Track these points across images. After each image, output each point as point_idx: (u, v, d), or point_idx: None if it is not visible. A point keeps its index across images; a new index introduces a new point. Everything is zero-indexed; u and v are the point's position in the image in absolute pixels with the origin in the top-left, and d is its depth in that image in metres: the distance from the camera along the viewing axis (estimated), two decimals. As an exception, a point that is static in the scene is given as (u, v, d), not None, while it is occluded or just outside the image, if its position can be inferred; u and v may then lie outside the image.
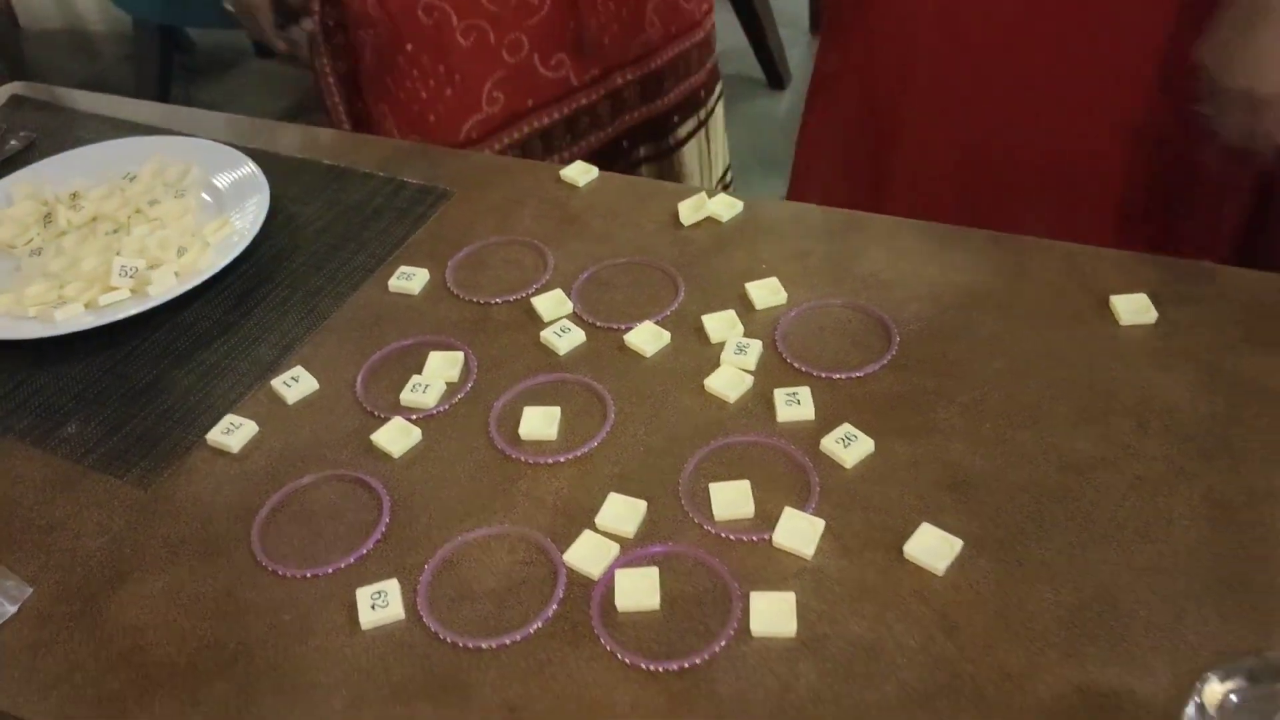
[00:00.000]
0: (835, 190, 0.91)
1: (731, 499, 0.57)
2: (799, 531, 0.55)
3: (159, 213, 0.80)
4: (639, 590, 0.53)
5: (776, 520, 0.55)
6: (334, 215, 0.81)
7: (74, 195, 0.82)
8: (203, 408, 0.66)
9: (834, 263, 0.72)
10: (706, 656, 0.50)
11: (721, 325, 0.67)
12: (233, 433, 0.64)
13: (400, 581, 0.55)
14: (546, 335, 0.68)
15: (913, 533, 0.54)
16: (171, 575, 0.57)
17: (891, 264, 0.71)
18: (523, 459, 0.61)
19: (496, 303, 0.72)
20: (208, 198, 0.82)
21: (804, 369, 0.64)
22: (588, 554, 0.55)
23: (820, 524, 0.55)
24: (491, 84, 1.00)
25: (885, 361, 0.64)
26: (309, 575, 0.56)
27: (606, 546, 0.55)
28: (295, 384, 0.66)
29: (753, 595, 0.52)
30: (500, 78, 1.00)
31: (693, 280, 0.72)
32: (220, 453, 0.63)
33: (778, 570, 0.54)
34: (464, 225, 0.79)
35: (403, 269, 0.75)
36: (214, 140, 0.87)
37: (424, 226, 0.79)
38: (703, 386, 0.64)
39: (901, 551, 0.54)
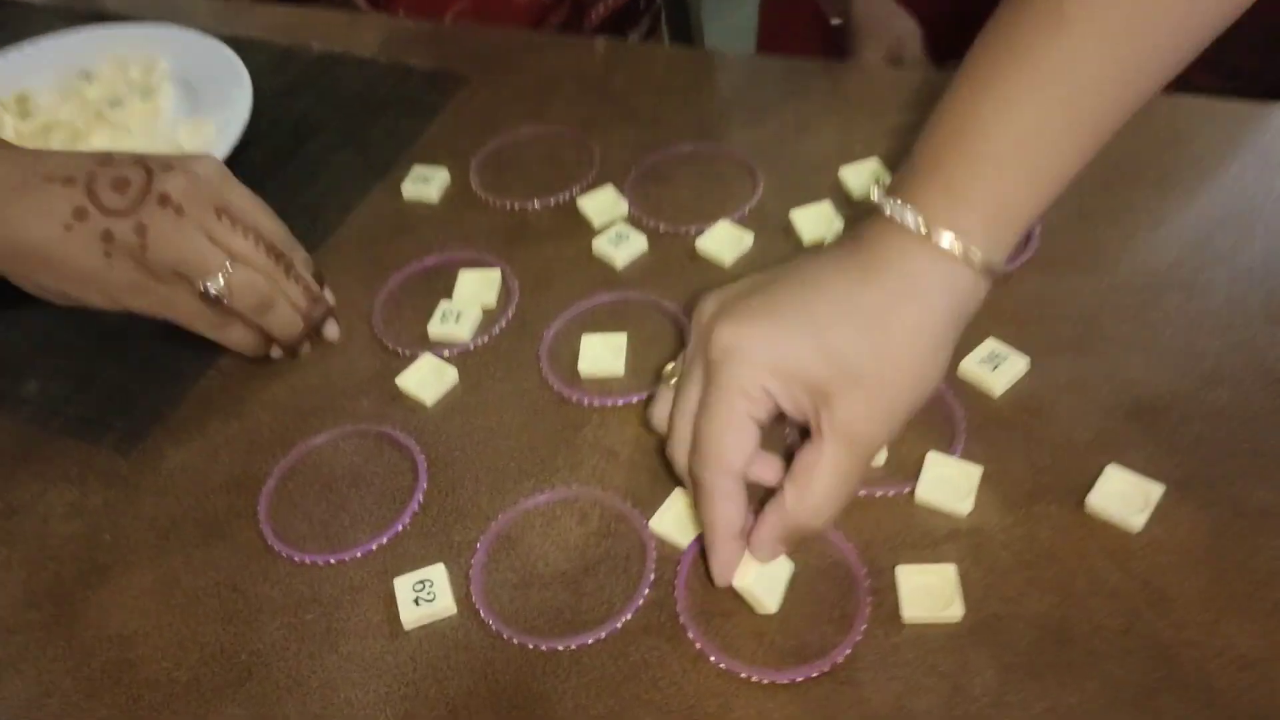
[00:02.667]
0: None
1: (855, 442, 0.45)
2: (948, 482, 0.43)
3: (123, 117, 0.67)
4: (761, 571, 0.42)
5: (918, 470, 0.44)
6: (330, 111, 0.68)
7: (21, 99, 0.69)
8: (189, 354, 0.54)
9: (946, 138, 0.58)
10: (848, 652, 0.39)
11: (817, 221, 0.55)
12: (227, 382, 0.52)
13: (448, 565, 0.44)
14: (600, 245, 0.56)
15: (1095, 478, 0.42)
16: (163, 567, 0.46)
17: (1019, 136, 0.57)
18: (586, 401, 0.49)
19: (534, 207, 0.59)
20: (180, 96, 0.69)
21: (926, 272, 0.52)
22: (680, 519, 0.44)
23: (975, 471, 0.43)
24: None
25: (1026, 257, 0.52)
26: (332, 561, 0.45)
27: (703, 510, 0.44)
28: (299, 318, 0.54)
29: (899, 570, 0.41)
30: None
31: (773, 168, 0.59)
32: (214, 409, 0.52)
33: (925, 534, 0.42)
34: (487, 115, 0.66)
35: (417, 170, 0.62)
36: (183, 27, 0.73)
37: (439, 119, 0.66)
38: (802, 299, 0.52)
39: (1083, 503, 0.42)
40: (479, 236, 0.58)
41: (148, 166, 0.46)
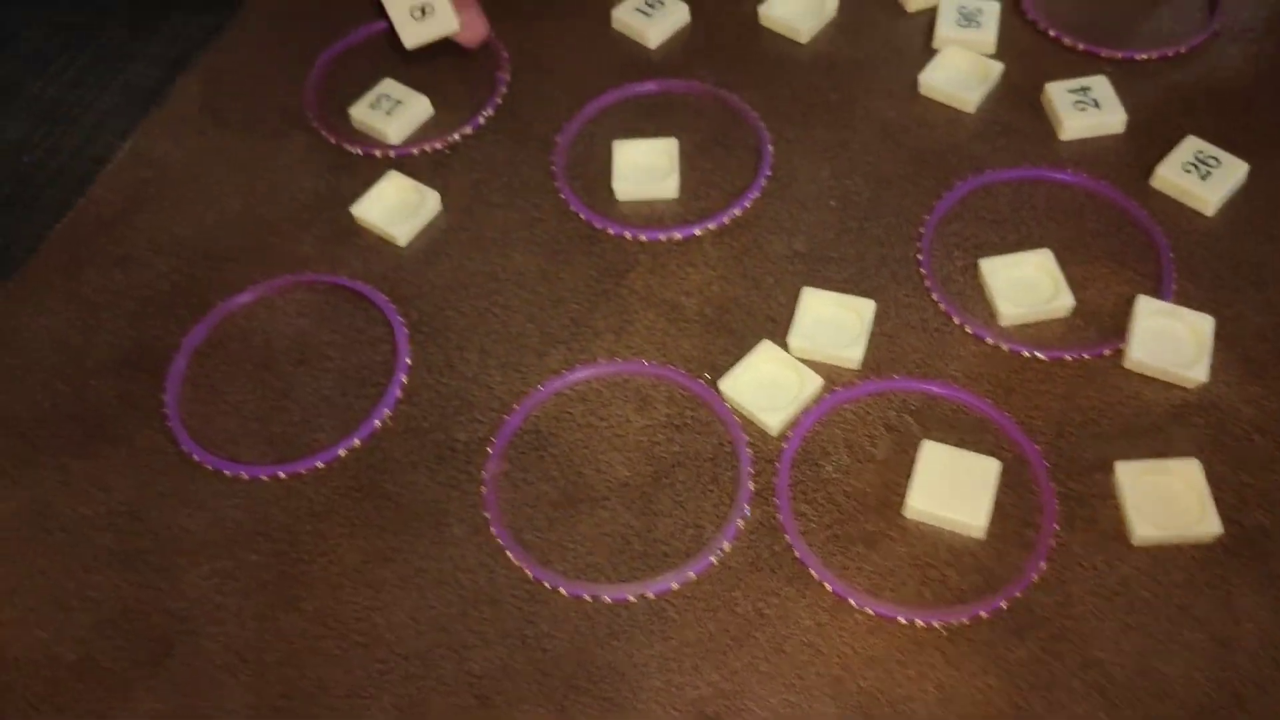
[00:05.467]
0: None
1: (1024, 281, 0.32)
2: (1169, 337, 0.30)
3: None
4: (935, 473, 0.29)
5: (1120, 320, 0.31)
6: None
7: None
8: (43, 176, 0.38)
9: None
10: (1048, 587, 0.27)
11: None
12: (106, 218, 0.36)
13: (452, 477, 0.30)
14: (623, 15, 0.40)
15: (1372, 327, 0.30)
16: (28, 488, 0.31)
17: None
18: (628, 234, 0.35)
19: (523, -34, 0.43)
20: None
21: (1084, 46, 0.38)
22: (767, 382, 0.30)
23: (1205, 322, 0.31)
24: None
25: (1215, 25, 0.38)
26: (282, 475, 0.31)
27: (808, 383, 0.31)
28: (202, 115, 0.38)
29: (1119, 469, 0.28)
30: None
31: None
32: (89, 251, 0.36)
33: (1143, 414, 0.30)
34: None
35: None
36: None
37: None
38: (916, 86, 0.37)
39: (1359, 363, 0.30)
40: None
41: None
